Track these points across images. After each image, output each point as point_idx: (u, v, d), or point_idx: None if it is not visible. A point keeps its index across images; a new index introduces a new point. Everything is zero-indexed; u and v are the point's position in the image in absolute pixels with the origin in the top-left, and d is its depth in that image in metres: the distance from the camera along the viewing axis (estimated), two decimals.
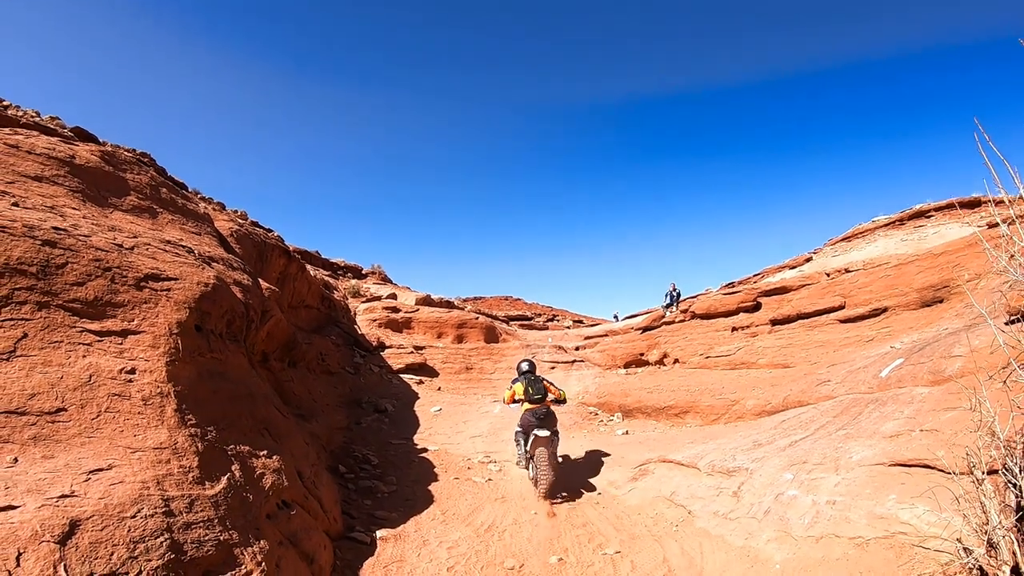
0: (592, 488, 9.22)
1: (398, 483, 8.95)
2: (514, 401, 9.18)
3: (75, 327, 4.81)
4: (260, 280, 10.61)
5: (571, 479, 9.72)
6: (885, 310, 15.23)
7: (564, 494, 8.85)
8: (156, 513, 3.63)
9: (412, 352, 19.87)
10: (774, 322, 18.40)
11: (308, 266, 22.21)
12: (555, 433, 8.70)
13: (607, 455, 10.92)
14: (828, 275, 18.51)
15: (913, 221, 20.62)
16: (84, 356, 4.61)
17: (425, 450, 11.44)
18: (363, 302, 23.98)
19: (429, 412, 14.90)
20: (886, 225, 21.24)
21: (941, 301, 14.01)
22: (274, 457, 5.53)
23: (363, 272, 32.21)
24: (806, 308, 17.57)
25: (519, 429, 9.23)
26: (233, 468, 4.77)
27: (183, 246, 7.74)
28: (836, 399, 10.15)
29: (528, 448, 8.79)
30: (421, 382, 18.12)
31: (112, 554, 3.22)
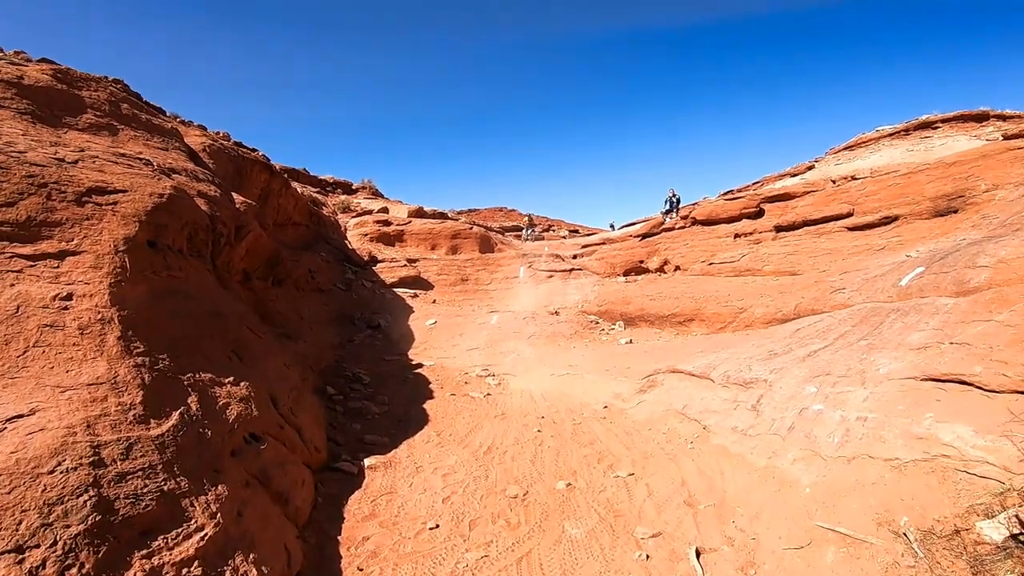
0: (597, 402, 8.73)
1: (390, 402, 8.42)
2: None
3: (3, 253, 4.06)
4: (235, 194, 9.72)
5: (574, 392, 9.23)
6: (896, 218, 14.55)
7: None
8: (81, 465, 2.98)
9: (405, 265, 19.17)
10: (778, 228, 17.68)
11: (295, 184, 21.06)
12: (533, 232, 28.91)
13: (611, 366, 10.41)
14: (834, 182, 17.60)
15: (919, 132, 19.56)
16: (12, 285, 3.90)
17: (420, 365, 10.94)
18: (353, 217, 22.99)
19: (424, 326, 14.36)
20: (891, 135, 20.17)
21: (956, 211, 13.40)
22: (242, 384, 4.88)
23: (353, 187, 30.97)
24: (812, 215, 16.78)
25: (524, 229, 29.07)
26: (189, 400, 4.12)
27: (141, 159, 6.86)
28: (853, 308, 9.61)
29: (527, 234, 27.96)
30: (415, 295, 17.51)
31: (20, 523, 2.59)
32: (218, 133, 16.36)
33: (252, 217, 9.78)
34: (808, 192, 17.84)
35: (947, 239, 11.92)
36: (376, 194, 31.11)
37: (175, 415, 3.85)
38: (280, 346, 7.58)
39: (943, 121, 19.58)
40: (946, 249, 10.33)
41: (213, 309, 5.57)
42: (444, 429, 7.46)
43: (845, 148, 21.84)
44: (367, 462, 6.12)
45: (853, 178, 17.01)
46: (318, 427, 6.30)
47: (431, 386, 9.42)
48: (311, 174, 28.98)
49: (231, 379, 4.81)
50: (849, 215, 15.89)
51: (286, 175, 20.83)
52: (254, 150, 17.19)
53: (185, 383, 4.27)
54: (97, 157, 5.86)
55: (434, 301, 17.56)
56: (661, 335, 14.52)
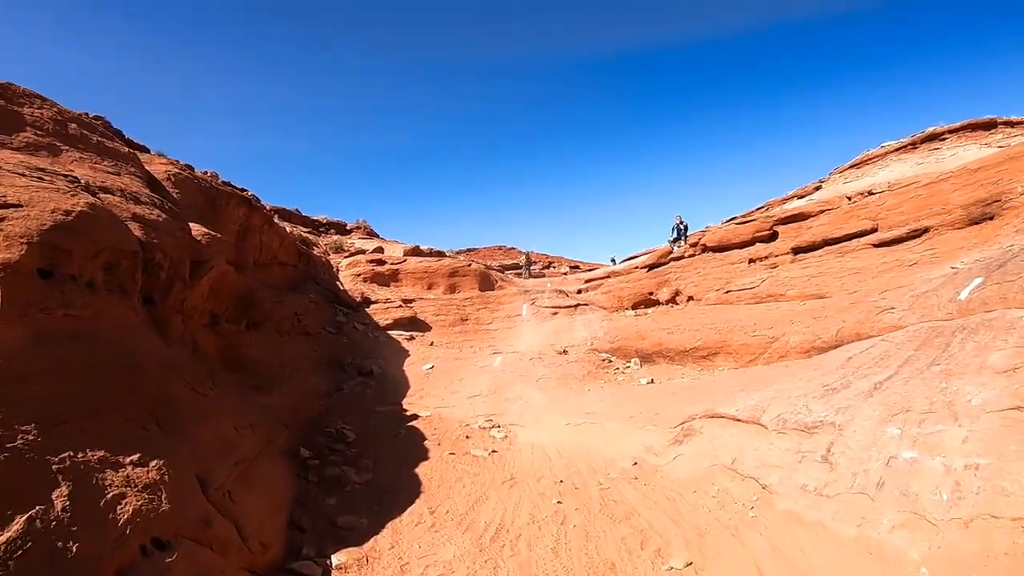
0: (624, 457, 7.31)
1: (376, 467, 6.98)
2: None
3: None
4: (196, 225, 8.53)
5: (595, 445, 7.86)
6: (926, 230, 13.44)
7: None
8: None
9: (400, 306, 17.90)
10: (796, 250, 16.59)
11: (286, 224, 19.93)
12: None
13: (635, 411, 9.01)
14: (849, 199, 16.66)
15: (927, 144, 19.10)
16: None
17: (415, 417, 9.56)
18: (346, 256, 21.86)
19: (420, 371, 13.02)
20: (898, 149, 19.70)
21: (991, 217, 12.36)
22: (153, 463, 3.54)
23: (347, 228, 30.10)
24: (832, 234, 15.70)
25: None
26: (55, 495, 2.80)
27: (67, 175, 5.75)
28: (908, 328, 8.37)
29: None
30: (412, 338, 16.19)
31: None
32: (206, 172, 15.32)
33: (217, 251, 8.57)
34: (824, 211, 16.98)
35: (990, 247, 10.94)
36: (371, 234, 30.22)
37: (18, 522, 2.53)
38: (239, 401, 6.23)
39: (950, 132, 19.30)
40: (999, 256, 9.36)
41: (128, 359, 4.28)
42: (440, 503, 6.00)
43: (851, 166, 21.38)
44: (335, 559, 4.66)
45: (870, 193, 16.19)
46: (273, 511, 4.87)
47: (426, 443, 8.05)
48: (303, 214, 28.22)
49: (136, 457, 3.48)
50: (873, 231, 14.90)
51: (276, 214, 19.75)
52: (244, 190, 16.13)
53: (55, 468, 2.96)
54: None
55: (432, 343, 16.23)
56: (684, 372, 13.13)
